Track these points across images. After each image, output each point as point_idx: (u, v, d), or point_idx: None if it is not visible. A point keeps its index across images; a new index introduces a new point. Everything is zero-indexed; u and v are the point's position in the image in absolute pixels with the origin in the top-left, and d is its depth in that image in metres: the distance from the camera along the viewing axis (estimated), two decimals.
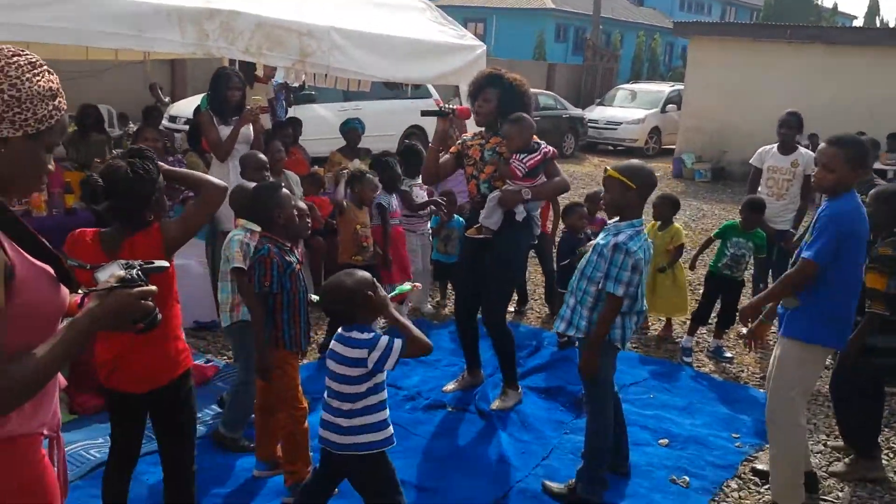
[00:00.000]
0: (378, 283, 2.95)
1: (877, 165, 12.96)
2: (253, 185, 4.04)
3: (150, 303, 1.70)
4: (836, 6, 41.32)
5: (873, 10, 49.02)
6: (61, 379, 1.96)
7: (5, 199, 1.67)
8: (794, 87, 14.51)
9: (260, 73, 7.63)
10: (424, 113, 4.79)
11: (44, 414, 1.79)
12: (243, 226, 3.84)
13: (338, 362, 2.90)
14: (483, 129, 4.67)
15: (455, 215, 6.31)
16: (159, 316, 1.74)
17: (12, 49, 1.64)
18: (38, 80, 1.64)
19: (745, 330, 6.07)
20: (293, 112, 8.82)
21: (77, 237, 2.74)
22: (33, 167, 1.67)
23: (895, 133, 13.76)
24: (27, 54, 1.66)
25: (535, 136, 4.43)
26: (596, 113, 19.43)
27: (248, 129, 5.60)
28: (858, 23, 47.85)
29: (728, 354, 5.74)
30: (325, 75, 7.51)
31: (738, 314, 4.51)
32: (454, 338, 5.70)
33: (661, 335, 6.06)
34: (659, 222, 5.96)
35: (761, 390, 4.89)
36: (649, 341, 5.87)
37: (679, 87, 18.78)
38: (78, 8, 4.61)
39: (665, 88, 20.41)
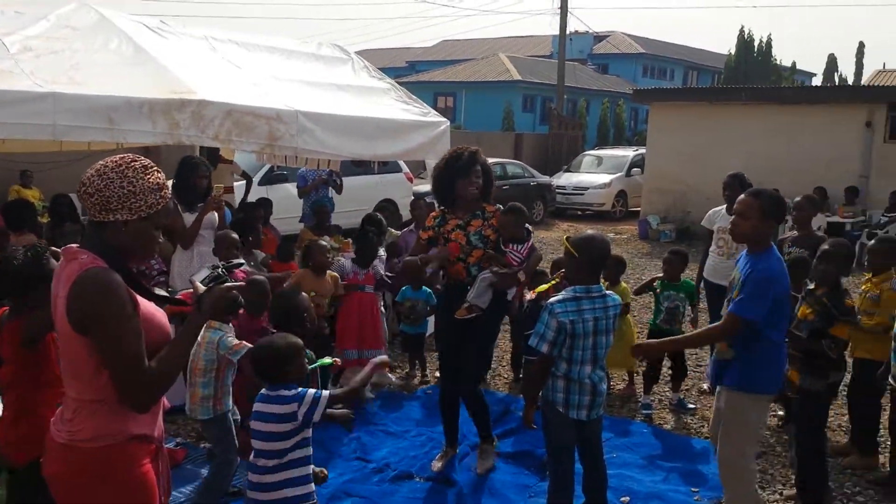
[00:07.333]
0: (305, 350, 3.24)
1: (834, 218, 13.43)
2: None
3: (235, 292, 2.43)
4: (794, 65, 42.75)
5: (831, 66, 50.97)
6: (165, 401, 2.58)
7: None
8: (751, 147, 15.07)
9: (228, 156, 7.87)
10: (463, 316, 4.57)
11: (153, 421, 2.40)
12: (218, 327, 4.10)
13: (266, 421, 3.09)
14: (455, 208, 4.72)
15: (423, 286, 6.50)
16: (242, 300, 2.48)
17: (132, 156, 2.34)
18: (148, 178, 2.31)
19: (706, 386, 6.31)
20: (264, 192, 9.06)
21: None
22: (146, 241, 2.37)
23: (852, 186, 14.29)
24: (142, 160, 2.34)
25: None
26: (563, 179, 19.91)
27: (213, 216, 5.74)
28: (818, 80, 49.66)
29: (691, 406, 5.94)
30: (296, 157, 7.78)
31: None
32: (423, 409, 5.85)
33: (623, 393, 6.24)
34: (607, 282, 6.22)
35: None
36: (613, 401, 6.03)
37: (643, 150, 19.34)
38: (51, 104, 4.74)
39: (629, 153, 20.99)
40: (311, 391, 3.09)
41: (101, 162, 2.31)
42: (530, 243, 4.63)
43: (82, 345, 2.23)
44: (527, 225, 4.69)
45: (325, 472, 4.14)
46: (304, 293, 4.13)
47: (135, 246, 2.36)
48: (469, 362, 4.73)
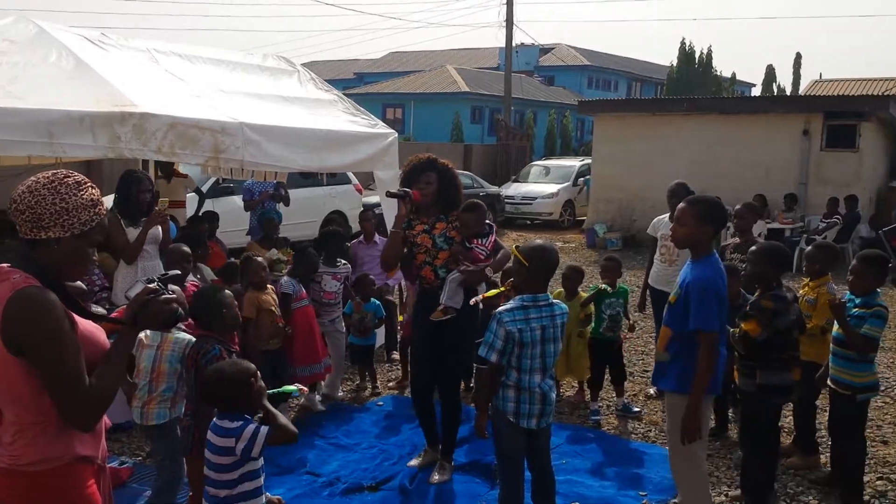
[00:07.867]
0: (258, 375, 3.11)
1: (774, 225, 13.79)
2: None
3: (175, 305, 2.35)
4: (734, 76, 43.76)
5: (770, 77, 52.46)
6: (106, 420, 2.51)
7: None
8: (693, 156, 15.43)
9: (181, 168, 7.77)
10: (389, 194, 4.97)
11: (96, 441, 2.35)
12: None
13: (211, 451, 3.03)
14: (418, 213, 4.79)
15: (372, 298, 6.50)
16: (182, 312, 2.40)
17: (65, 172, 2.27)
18: (82, 194, 2.24)
19: (652, 391, 6.42)
20: (210, 205, 8.95)
21: None
22: (80, 259, 2.29)
23: (791, 193, 14.73)
24: (75, 175, 2.28)
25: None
26: (512, 189, 20.12)
27: (157, 230, 5.64)
28: (757, 90, 50.96)
29: (636, 409, 6.06)
30: (242, 169, 7.70)
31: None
32: (375, 421, 5.83)
33: (575, 401, 6.32)
34: (565, 292, 6.27)
35: (666, 447, 5.13)
36: (563, 407, 6.10)
37: (589, 160, 19.63)
38: None
39: (576, 163, 21.30)
40: (251, 426, 2.98)
41: (32, 178, 2.23)
42: (493, 238, 4.73)
43: (19, 367, 2.16)
44: (488, 220, 4.80)
45: (282, 500, 4.14)
46: (228, 290, 4.06)
47: (68, 264, 2.28)
48: (452, 365, 4.81)
